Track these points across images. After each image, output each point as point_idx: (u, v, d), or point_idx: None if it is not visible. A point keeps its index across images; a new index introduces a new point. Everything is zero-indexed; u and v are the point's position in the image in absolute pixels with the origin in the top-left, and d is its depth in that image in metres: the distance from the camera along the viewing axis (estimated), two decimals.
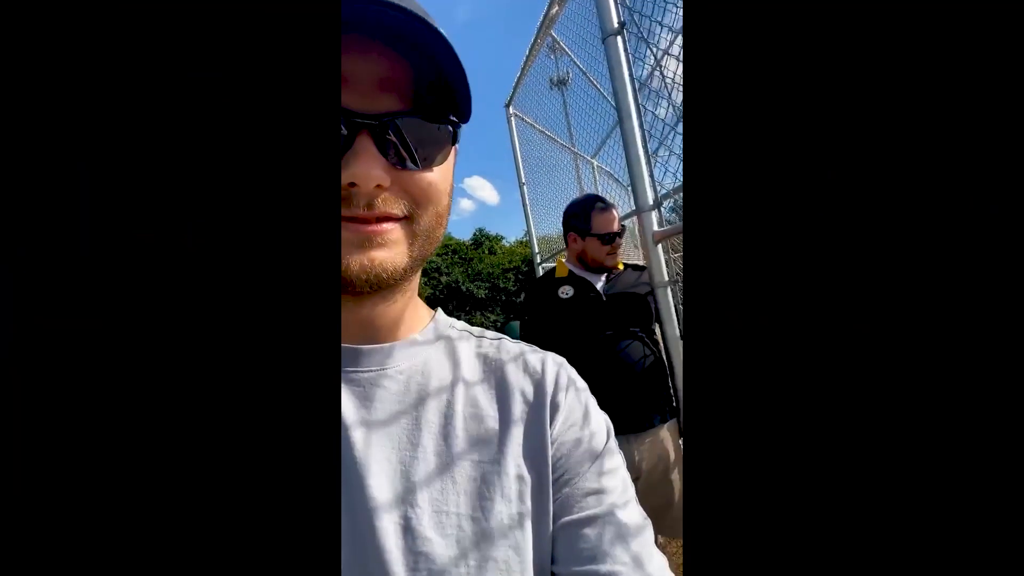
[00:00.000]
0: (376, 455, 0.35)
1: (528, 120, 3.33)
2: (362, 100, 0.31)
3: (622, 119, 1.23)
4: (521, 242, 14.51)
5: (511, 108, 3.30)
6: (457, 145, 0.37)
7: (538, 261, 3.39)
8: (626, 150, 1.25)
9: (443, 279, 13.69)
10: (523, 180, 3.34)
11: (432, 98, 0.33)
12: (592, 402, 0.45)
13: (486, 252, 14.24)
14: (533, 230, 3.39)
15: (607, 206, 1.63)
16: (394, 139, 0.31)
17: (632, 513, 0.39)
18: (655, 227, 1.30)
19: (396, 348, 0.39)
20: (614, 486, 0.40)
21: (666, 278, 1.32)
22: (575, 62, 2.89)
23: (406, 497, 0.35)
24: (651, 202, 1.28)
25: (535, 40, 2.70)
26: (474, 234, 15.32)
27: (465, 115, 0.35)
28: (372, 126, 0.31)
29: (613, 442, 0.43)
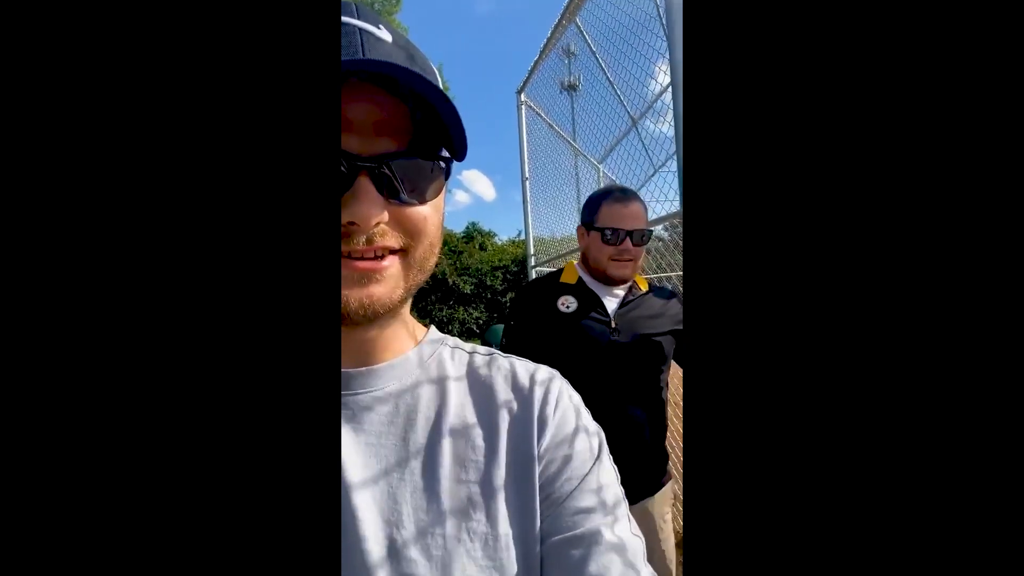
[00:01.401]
0: (364, 477, 0.36)
1: (540, 112, 3.13)
2: (361, 143, 0.32)
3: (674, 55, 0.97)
4: (514, 241, 14.33)
5: (523, 95, 3.09)
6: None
7: (532, 264, 3.19)
8: (676, 107, 1.00)
9: None
10: (527, 175, 3.13)
11: (427, 138, 0.35)
12: (584, 415, 0.44)
13: (476, 247, 14.05)
14: (531, 229, 3.18)
15: (627, 196, 1.23)
16: (391, 177, 0.33)
17: (624, 531, 0.38)
18: None
19: (385, 369, 0.40)
20: (606, 503, 0.39)
21: None
22: (594, 54, 2.70)
23: (392, 519, 0.35)
24: None
25: (558, 23, 2.50)
26: (467, 227, 15.12)
27: (460, 154, 0.36)
28: (370, 167, 0.32)
29: (606, 456, 0.42)
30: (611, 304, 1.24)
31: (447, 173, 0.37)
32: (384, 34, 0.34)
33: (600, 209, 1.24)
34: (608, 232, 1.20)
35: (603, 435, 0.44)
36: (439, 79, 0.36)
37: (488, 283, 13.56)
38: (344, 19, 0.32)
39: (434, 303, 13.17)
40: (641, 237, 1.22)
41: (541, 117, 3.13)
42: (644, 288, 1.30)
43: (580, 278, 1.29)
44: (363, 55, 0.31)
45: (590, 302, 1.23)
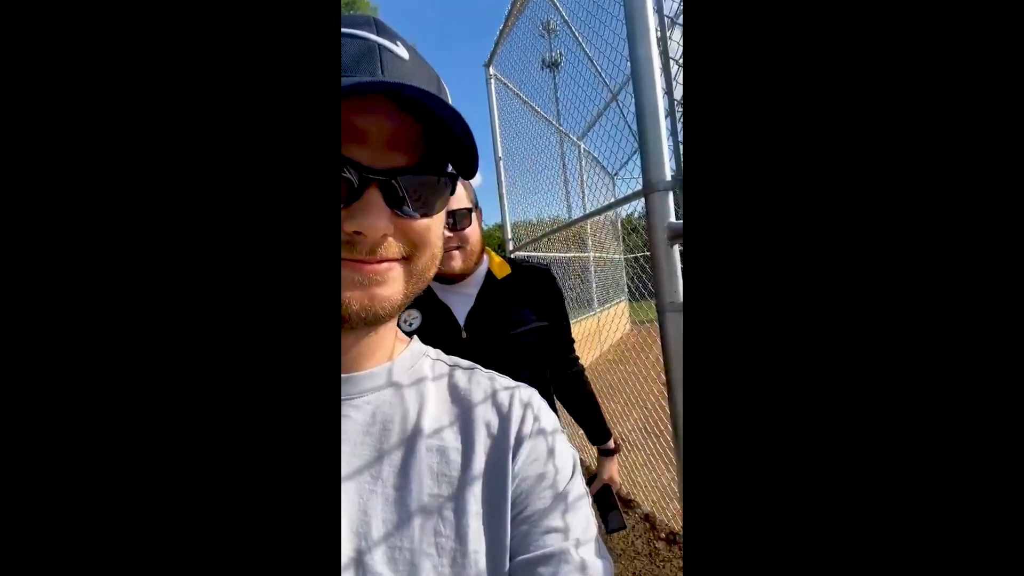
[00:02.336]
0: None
1: (511, 87, 2.93)
2: (373, 156, 0.33)
3: (636, 48, 0.82)
4: (499, 226, 14.16)
5: (491, 69, 2.88)
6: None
7: (510, 248, 3.02)
8: (638, 98, 0.82)
9: None
10: (499, 155, 2.94)
11: (436, 154, 0.36)
12: (560, 438, 0.44)
13: None
14: (508, 214, 3.00)
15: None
16: (399, 190, 0.34)
17: (591, 551, 0.38)
18: (671, 217, 0.85)
19: (364, 378, 0.40)
20: (575, 524, 0.39)
21: (680, 297, 0.84)
22: (567, 23, 2.50)
23: (360, 531, 0.35)
24: (668, 178, 0.83)
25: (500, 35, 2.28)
26: None
27: (471, 171, 0.38)
28: (380, 181, 0.33)
29: (579, 478, 0.42)
30: (462, 307, 1.06)
31: (452, 188, 0.38)
32: (401, 51, 0.35)
33: None
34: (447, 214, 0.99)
35: (577, 457, 0.44)
36: (447, 94, 0.39)
37: None
38: (364, 34, 0.34)
39: None
40: (458, 219, 1.03)
41: (513, 91, 2.92)
42: (502, 272, 1.10)
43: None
44: (382, 72, 0.33)
45: (436, 312, 1.05)
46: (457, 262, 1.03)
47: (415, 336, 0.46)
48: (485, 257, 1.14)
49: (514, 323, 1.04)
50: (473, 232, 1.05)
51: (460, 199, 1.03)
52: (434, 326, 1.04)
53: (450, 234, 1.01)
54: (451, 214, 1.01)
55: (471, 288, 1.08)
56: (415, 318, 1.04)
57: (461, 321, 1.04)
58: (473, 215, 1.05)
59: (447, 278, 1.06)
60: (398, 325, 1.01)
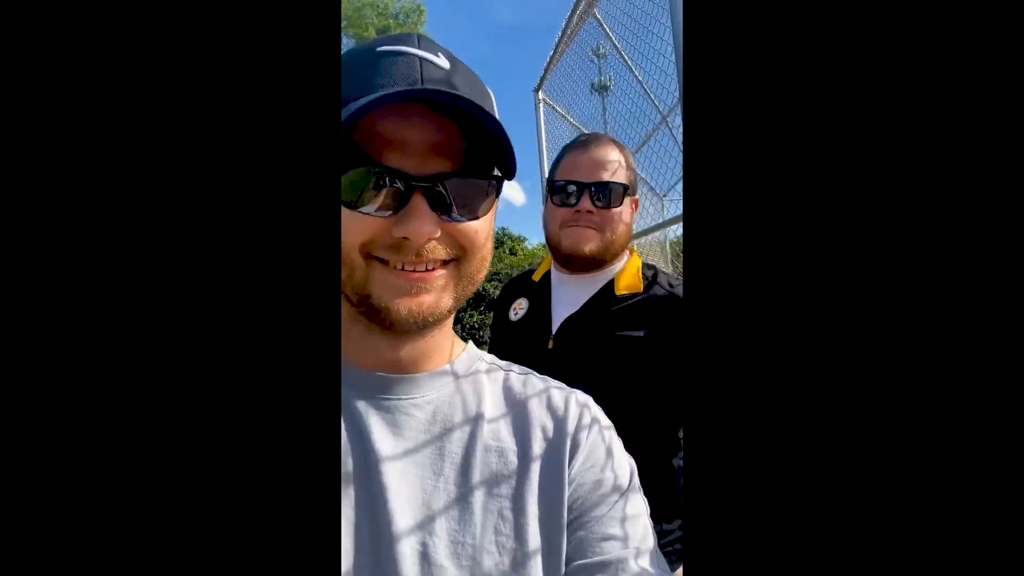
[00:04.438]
0: (401, 481, 0.37)
1: (559, 110, 2.99)
2: (417, 163, 0.35)
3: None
4: (544, 245, 14.21)
5: (540, 94, 2.96)
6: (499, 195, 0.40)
7: None
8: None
9: None
10: (547, 175, 3.00)
11: (479, 158, 0.37)
12: (617, 443, 0.44)
13: (507, 252, 14.05)
14: None
15: (591, 140, 0.87)
16: (444, 195, 0.35)
17: (648, 562, 0.37)
18: None
19: (425, 379, 0.41)
20: (633, 533, 0.39)
21: None
22: (616, 48, 2.54)
23: (425, 525, 0.36)
24: None
25: (572, 14, 2.35)
26: (497, 232, 15.11)
27: (511, 173, 0.38)
28: (424, 187, 0.34)
29: (637, 487, 0.42)
30: (564, 309, 0.83)
31: (498, 190, 0.39)
32: (442, 61, 0.37)
33: (559, 163, 0.87)
34: (557, 187, 0.81)
35: (635, 466, 0.44)
36: (493, 101, 0.40)
37: None
38: (406, 49, 0.36)
39: (465, 309, 13.23)
40: (604, 193, 0.79)
41: (561, 114, 2.98)
42: (633, 289, 0.83)
43: (549, 271, 0.93)
44: (422, 82, 0.35)
45: (535, 309, 0.86)
46: (591, 244, 0.81)
47: (469, 342, 0.47)
48: (625, 257, 0.90)
49: (608, 357, 0.77)
50: (620, 216, 0.84)
51: (615, 172, 0.82)
52: (524, 326, 0.87)
53: (597, 209, 0.81)
54: (600, 187, 0.81)
55: (588, 286, 0.85)
56: (522, 308, 0.90)
57: (554, 328, 0.83)
58: (627, 198, 0.85)
59: (573, 260, 0.84)
60: (507, 314, 0.98)
